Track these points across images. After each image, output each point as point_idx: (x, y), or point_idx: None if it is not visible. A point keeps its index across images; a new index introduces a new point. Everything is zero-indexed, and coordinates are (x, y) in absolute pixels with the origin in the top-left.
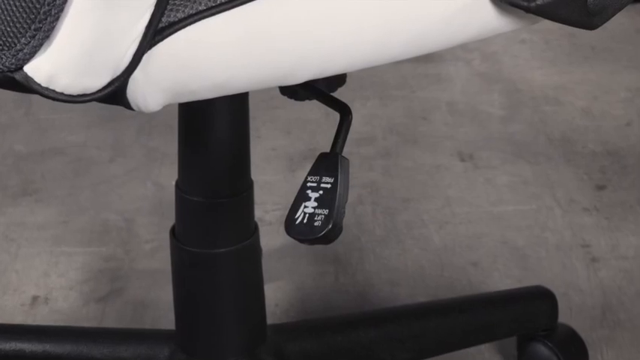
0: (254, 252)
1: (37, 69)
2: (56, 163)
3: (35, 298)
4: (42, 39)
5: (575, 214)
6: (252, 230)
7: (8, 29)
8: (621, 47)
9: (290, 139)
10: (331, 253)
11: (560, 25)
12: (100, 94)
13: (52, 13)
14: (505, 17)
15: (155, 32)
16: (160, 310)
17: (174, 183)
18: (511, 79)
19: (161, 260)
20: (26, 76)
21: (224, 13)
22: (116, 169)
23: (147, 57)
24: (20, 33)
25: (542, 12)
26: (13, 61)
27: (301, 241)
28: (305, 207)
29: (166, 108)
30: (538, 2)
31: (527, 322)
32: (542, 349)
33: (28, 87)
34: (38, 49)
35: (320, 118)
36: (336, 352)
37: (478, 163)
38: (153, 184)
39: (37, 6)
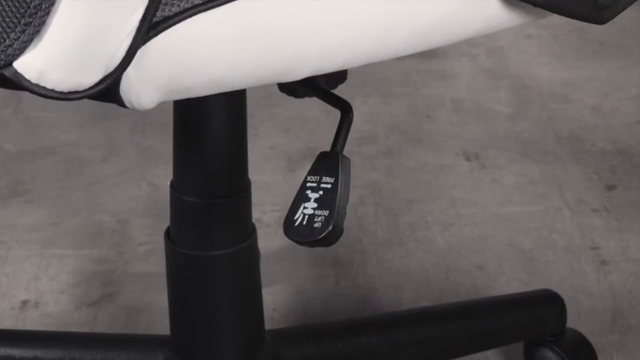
0: (251, 254)
1: (27, 65)
2: (47, 163)
3: (25, 302)
4: (32, 34)
5: (585, 215)
6: (250, 232)
7: None
8: (632, 42)
9: (289, 137)
10: (332, 255)
11: (569, 19)
12: (92, 91)
13: (43, 7)
14: (512, 11)
15: (149, 27)
16: (155, 315)
17: (169, 183)
18: (518, 75)
19: (155, 263)
20: (16, 73)
21: (221, 7)
22: (109, 169)
23: (141, 53)
24: (9, 28)
25: (550, 6)
26: (2, 57)
27: (300, 243)
28: (304, 208)
29: (161, 105)
30: None
31: (535, 327)
32: (550, 354)
33: (17, 84)
34: (28, 45)
35: (320, 116)
36: (336, 359)
37: (484, 162)
38: (147, 185)
39: (27, 0)
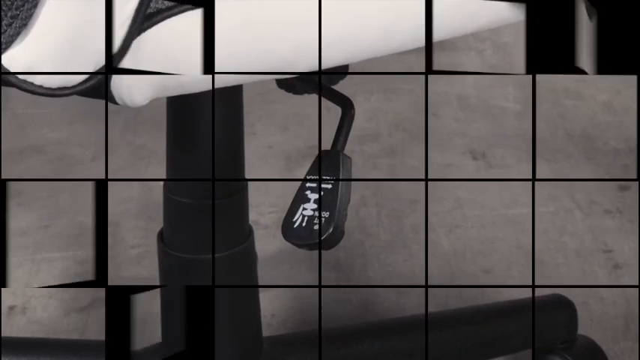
0: (248, 258)
1: (14, 59)
2: (35, 162)
3: (12, 308)
4: (19, 27)
5: (596, 216)
6: (247, 234)
7: None
8: None
9: (287, 135)
10: (332, 259)
11: None
12: (82, 87)
13: None
14: (519, 4)
15: (143, 19)
16: (147, 321)
17: (162, 183)
18: None
19: (148, 267)
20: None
21: None
22: (100, 169)
23: (134, 46)
24: None
25: None
26: None
27: (300, 246)
28: (304, 209)
29: (154, 102)
30: None
31: (545, 333)
32: None
33: (4, 79)
34: (15, 38)
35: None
36: None
37: (491, 161)
38: (139, 185)
39: None
